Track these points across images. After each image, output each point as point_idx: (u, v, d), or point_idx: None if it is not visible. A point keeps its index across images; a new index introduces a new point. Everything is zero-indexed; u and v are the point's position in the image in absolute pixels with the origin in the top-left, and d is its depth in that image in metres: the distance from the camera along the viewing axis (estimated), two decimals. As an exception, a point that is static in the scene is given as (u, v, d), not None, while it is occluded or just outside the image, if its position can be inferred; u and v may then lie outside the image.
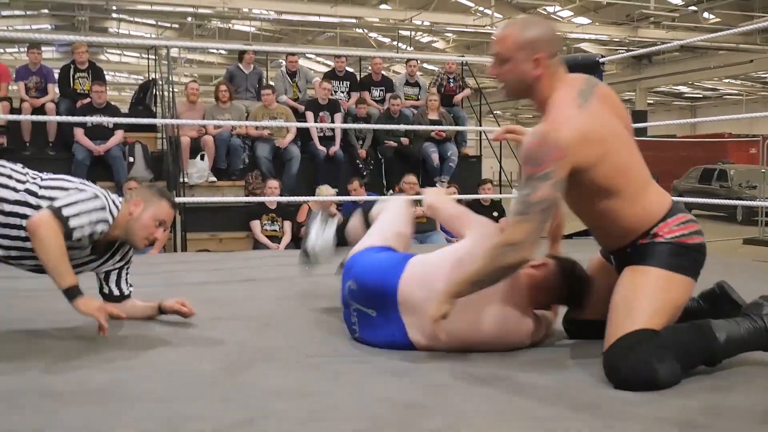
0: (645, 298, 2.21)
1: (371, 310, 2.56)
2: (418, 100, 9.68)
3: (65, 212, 2.45)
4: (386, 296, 2.51)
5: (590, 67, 5.24)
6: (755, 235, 12.58)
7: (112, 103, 8.41)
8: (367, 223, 3.06)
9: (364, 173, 8.44)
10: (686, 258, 2.29)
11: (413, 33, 24.08)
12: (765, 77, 29.31)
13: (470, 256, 2.40)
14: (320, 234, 3.17)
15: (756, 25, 15.01)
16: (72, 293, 2.44)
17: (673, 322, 2.26)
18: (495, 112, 21.05)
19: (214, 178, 7.89)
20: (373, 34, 26.49)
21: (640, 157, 2.42)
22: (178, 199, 6.62)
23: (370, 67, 9.95)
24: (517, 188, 2.33)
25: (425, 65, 25.76)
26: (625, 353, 2.11)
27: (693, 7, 21.43)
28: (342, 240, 3.16)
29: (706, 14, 22.36)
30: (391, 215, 2.98)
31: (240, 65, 9.17)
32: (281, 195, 7.48)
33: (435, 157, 8.75)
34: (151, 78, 9.98)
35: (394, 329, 2.52)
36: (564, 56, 4.10)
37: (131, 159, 7.77)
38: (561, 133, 2.17)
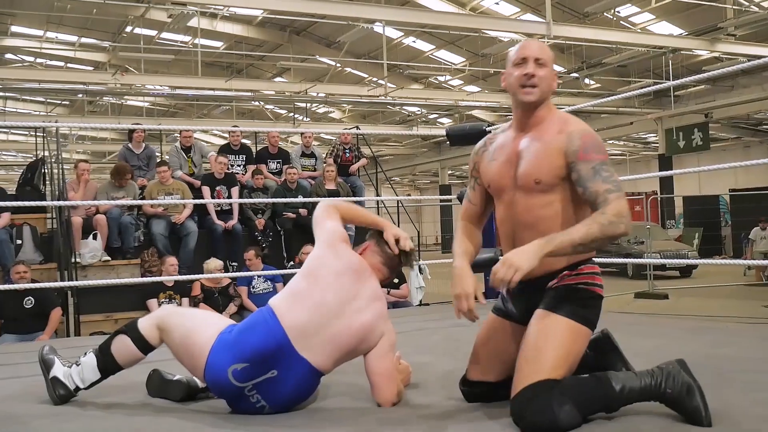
0: (552, 350, 2.36)
1: (271, 372, 2.56)
2: (314, 170, 9.76)
3: None
4: (279, 343, 2.54)
5: (478, 135, 5.43)
6: (645, 289, 13.14)
7: (-2, 184, 8.12)
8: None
9: (263, 245, 8.39)
10: (593, 310, 2.48)
11: (309, 104, 24.40)
12: (645, 138, 31.00)
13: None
14: None
15: (634, 92, 15.94)
16: None
17: (573, 369, 2.39)
18: (392, 179, 21.38)
19: (107, 258, 7.67)
20: (269, 106, 26.68)
21: None
22: (70, 283, 6.45)
23: (265, 140, 9.99)
24: (595, 171, 2.39)
25: (323, 135, 26.06)
26: (529, 401, 2.27)
27: (575, 74, 22.60)
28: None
29: (587, 80, 23.61)
30: (182, 321, 2.81)
31: (130, 145, 9.05)
32: (179, 271, 7.35)
33: (334, 227, 8.78)
34: (39, 157, 9.71)
35: (300, 371, 2.56)
36: (451, 126, 4.27)
37: (19, 241, 7.48)
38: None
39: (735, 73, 20.84)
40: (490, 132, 5.95)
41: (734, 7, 18.07)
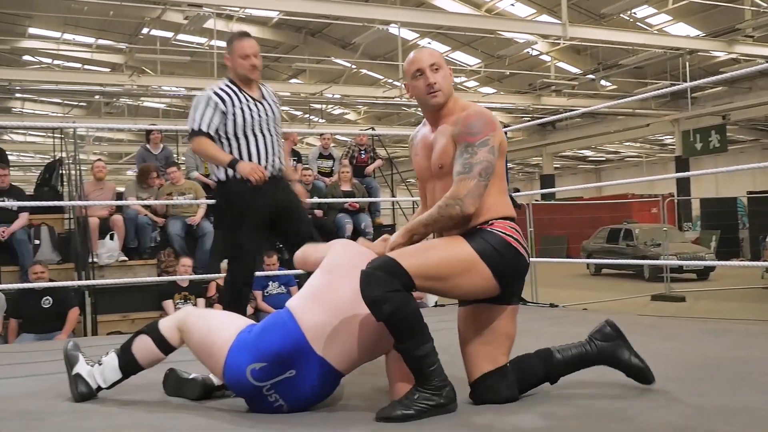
0: (499, 342, 2.76)
1: (289, 372, 2.58)
2: (332, 172, 9.77)
3: None
4: (297, 344, 2.57)
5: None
6: (662, 291, 13.06)
7: (16, 184, 8.18)
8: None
9: (278, 245, 8.40)
10: (491, 238, 2.69)
11: (325, 106, 24.46)
12: (662, 139, 30.83)
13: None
14: None
15: (650, 93, 15.86)
16: None
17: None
18: (407, 180, 21.43)
19: (124, 258, 7.72)
20: (284, 108, 26.73)
21: None
22: (87, 282, 6.50)
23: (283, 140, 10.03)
24: (460, 153, 2.67)
25: (338, 136, 26.11)
26: (487, 389, 2.71)
27: (591, 76, 22.53)
28: None
29: (603, 82, 23.53)
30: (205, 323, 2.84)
31: (148, 146, 9.10)
32: (195, 271, 7.38)
33: (349, 228, 8.81)
34: (57, 158, 9.79)
35: (318, 371, 2.59)
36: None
37: (37, 241, 7.54)
38: (489, 113, 2.76)
39: (753, 75, 20.67)
40: (507, 134, 5.99)
41: (752, 8, 17.94)
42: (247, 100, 3.99)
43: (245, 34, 4.21)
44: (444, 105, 2.81)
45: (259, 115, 4.01)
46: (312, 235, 3.95)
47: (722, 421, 2.43)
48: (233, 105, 3.93)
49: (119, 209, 7.84)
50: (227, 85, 4.02)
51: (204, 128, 3.91)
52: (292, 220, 4.08)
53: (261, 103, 4.06)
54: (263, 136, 4.02)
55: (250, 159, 3.95)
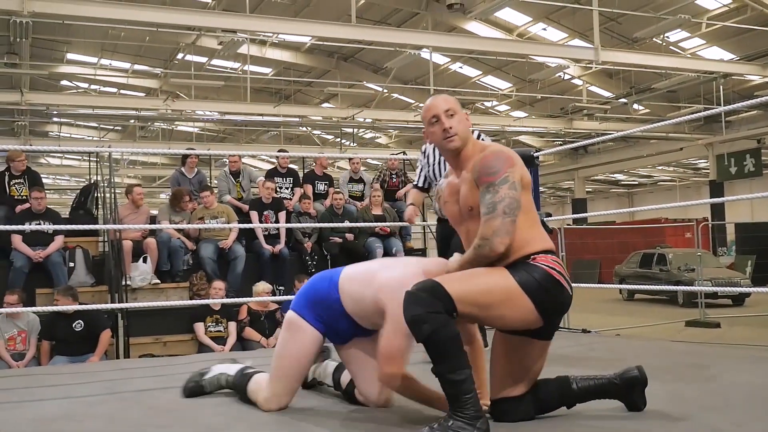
0: (526, 375, 2.83)
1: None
2: (362, 196, 9.80)
3: None
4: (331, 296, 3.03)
5: (525, 161, 5.40)
6: (696, 317, 12.86)
7: (52, 207, 8.30)
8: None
9: (311, 270, 8.44)
10: (533, 271, 2.70)
11: (356, 130, 24.58)
12: (695, 163, 30.51)
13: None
14: None
15: (684, 117, 15.75)
16: None
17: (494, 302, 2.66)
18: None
19: (157, 281, 7.79)
20: (316, 132, 26.95)
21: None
22: (120, 305, 6.56)
23: (314, 164, 10.10)
24: (482, 195, 2.72)
25: (369, 160, 26.23)
26: (506, 410, 2.82)
27: (623, 100, 22.41)
28: None
29: (636, 106, 23.38)
30: None
31: (183, 169, 9.21)
32: (227, 295, 7.42)
33: (380, 252, 8.81)
34: (92, 181, 9.93)
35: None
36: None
37: (71, 264, 7.64)
38: (507, 150, 2.81)
39: (789, 98, 20.41)
40: (538, 158, 5.95)
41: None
42: None
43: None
44: (462, 149, 2.86)
45: None
46: None
47: (759, 452, 2.38)
48: None
49: (152, 232, 7.92)
50: None
51: None
52: None
53: None
54: None
55: None
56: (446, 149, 2.86)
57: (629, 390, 2.89)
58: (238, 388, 3.32)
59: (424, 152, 4.97)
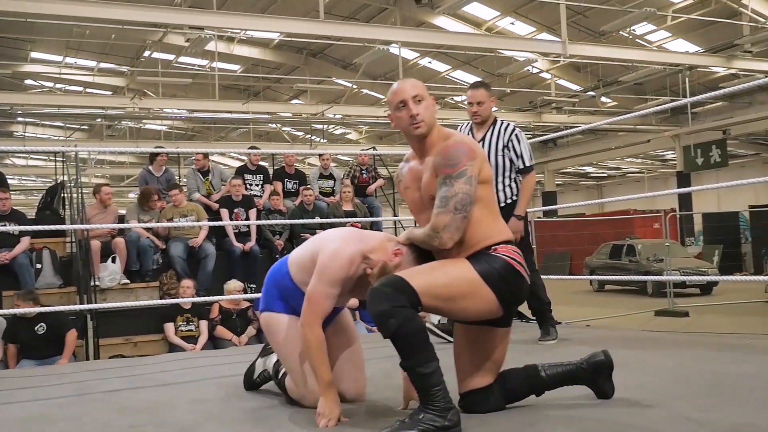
0: (491, 363, 2.87)
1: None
2: (333, 192, 9.78)
3: None
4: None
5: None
6: (666, 307, 13.04)
7: (18, 208, 8.16)
8: None
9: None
10: (493, 261, 2.74)
11: (326, 126, 24.52)
12: (663, 155, 30.85)
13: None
14: None
15: (651, 109, 15.91)
16: None
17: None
18: (410, 199, 21.45)
19: (126, 281, 7.71)
20: (286, 128, 26.84)
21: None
22: (89, 306, 6.48)
23: (282, 161, 10.06)
24: (439, 186, 2.72)
25: (340, 156, 26.17)
26: (475, 402, 2.85)
27: (591, 93, 22.61)
28: None
29: (603, 98, 23.59)
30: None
31: (150, 168, 9.13)
32: (197, 293, 7.37)
33: (351, 248, 8.77)
34: (59, 181, 9.80)
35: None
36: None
37: (39, 265, 7.53)
38: (469, 141, 2.79)
39: (752, 90, 20.72)
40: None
41: (750, 24, 18.02)
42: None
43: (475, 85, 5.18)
44: (427, 135, 2.83)
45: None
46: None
47: (725, 438, 2.43)
48: None
49: (121, 232, 7.84)
50: None
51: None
52: None
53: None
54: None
55: None
56: (412, 135, 2.85)
57: (597, 375, 2.94)
58: (280, 386, 3.29)
59: None
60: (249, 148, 10.27)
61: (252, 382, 3.48)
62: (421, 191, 2.85)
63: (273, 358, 3.37)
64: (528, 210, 5.14)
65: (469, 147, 2.75)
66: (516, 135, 5.00)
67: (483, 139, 4.99)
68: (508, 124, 5.07)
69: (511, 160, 4.98)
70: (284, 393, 3.19)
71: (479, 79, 5.29)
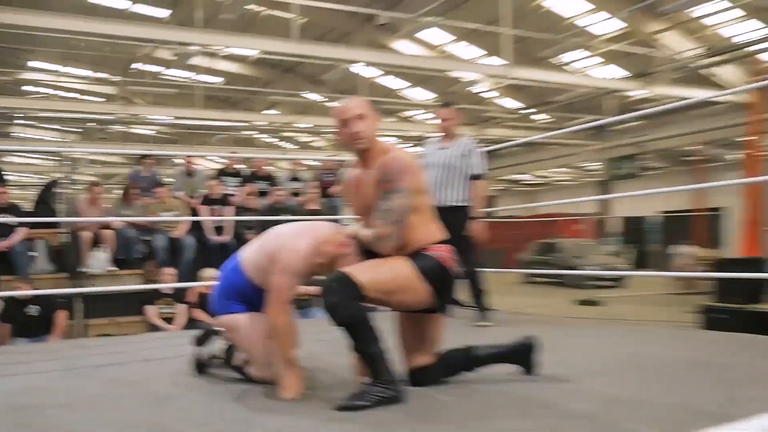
0: (430, 344, 2.93)
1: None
2: (301, 193, 9.75)
3: None
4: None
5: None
6: (585, 297, 13.27)
7: (15, 202, 7.99)
8: None
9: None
10: (426, 261, 2.80)
11: (295, 134, 24.38)
12: (587, 166, 31.28)
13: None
14: None
15: (579, 126, 16.18)
16: None
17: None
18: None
19: (113, 268, 7.61)
20: (262, 135, 26.63)
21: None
22: (72, 290, 6.38)
23: (254, 165, 10.03)
24: (379, 201, 2.77)
25: (307, 161, 26.03)
26: (419, 377, 2.90)
27: (529, 110, 22.84)
28: None
29: (540, 116, 23.86)
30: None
31: (140, 168, 9.03)
32: (179, 280, 7.30)
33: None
34: (54, 178, 9.60)
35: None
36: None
37: (34, 254, 7.40)
38: (405, 157, 2.81)
39: (665, 112, 21.13)
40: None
41: (665, 54, 18.42)
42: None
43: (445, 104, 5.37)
44: (369, 149, 2.87)
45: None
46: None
47: (626, 409, 2.50)
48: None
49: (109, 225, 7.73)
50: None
51: None
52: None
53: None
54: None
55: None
56: (353, 149, 2.90)
57: (524, 355, 3.06)
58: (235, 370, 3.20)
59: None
60: (230, 152, 10.15)
61: (202, 368, 3.33)
62: (363, 197, 2.90)
63: (217, 344, 3.30)
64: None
65: (405, 164, 2.78)
66: (473, 148, 5.19)
67: (448, 148, 5.17)
68: (470, 140, 5.28)
69: (467, 168, 5.12)
70: (243, 376, 3.13)
71: (447, 101, 5.40)
